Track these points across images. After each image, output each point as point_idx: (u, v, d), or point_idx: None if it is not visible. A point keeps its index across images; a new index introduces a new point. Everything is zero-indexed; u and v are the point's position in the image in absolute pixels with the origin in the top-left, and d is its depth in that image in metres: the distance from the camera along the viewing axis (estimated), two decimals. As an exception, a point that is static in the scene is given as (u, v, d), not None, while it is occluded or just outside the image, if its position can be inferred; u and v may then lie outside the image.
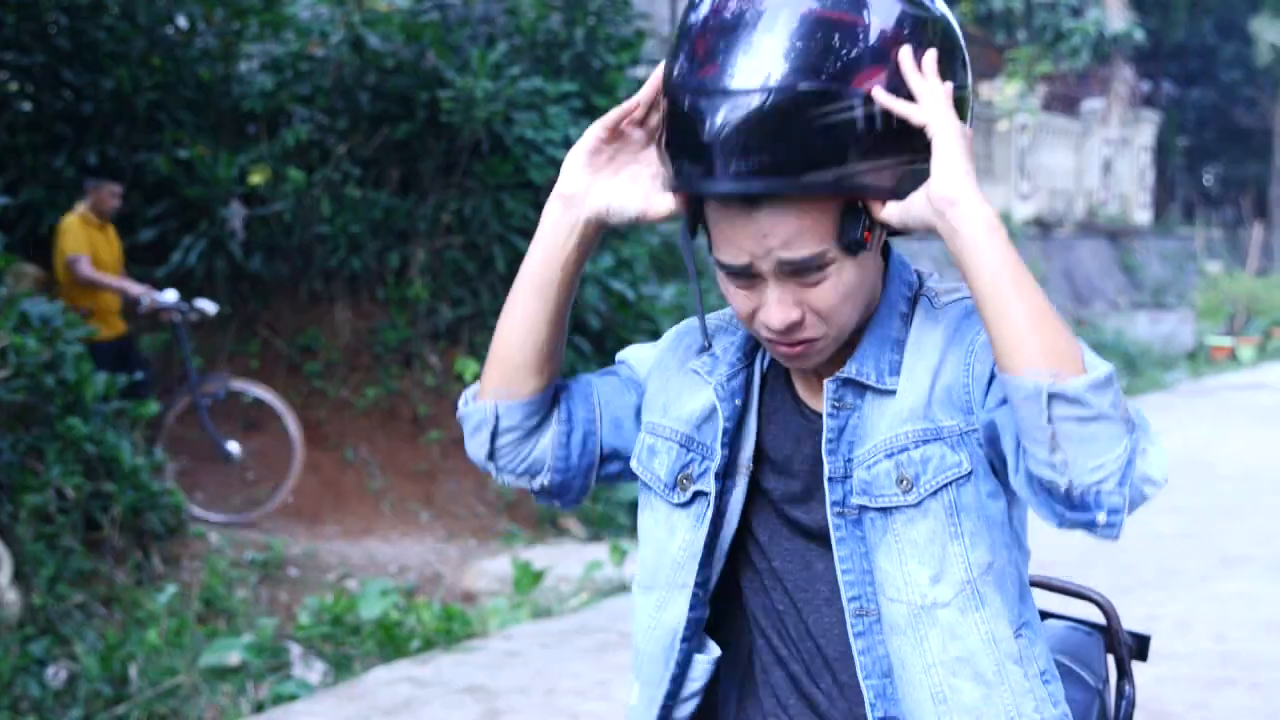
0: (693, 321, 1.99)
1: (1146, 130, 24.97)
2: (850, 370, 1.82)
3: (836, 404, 1.83)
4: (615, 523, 8.90)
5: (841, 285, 1.73)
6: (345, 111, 9.36)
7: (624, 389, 2.01)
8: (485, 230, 9.47)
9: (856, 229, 1.71)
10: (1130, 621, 2.29)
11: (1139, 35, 21.95)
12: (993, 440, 1.74)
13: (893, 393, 1.80)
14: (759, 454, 1.91)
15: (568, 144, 9.42)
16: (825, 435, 1.83)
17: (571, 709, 5.61)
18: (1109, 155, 23.79)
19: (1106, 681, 2.25)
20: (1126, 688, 2.21)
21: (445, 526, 8.66)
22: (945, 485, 1.77)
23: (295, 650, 6.47)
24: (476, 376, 8.61)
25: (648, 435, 1.96)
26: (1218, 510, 9.67)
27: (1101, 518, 1.61)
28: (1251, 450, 12.43)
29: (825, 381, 1.83)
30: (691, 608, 1.90)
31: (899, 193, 1.70)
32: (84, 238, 8.18)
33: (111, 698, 5.73)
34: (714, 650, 1.94)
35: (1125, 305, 21.15)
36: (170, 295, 8.32)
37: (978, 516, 1.78)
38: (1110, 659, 2.29)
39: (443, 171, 9.59)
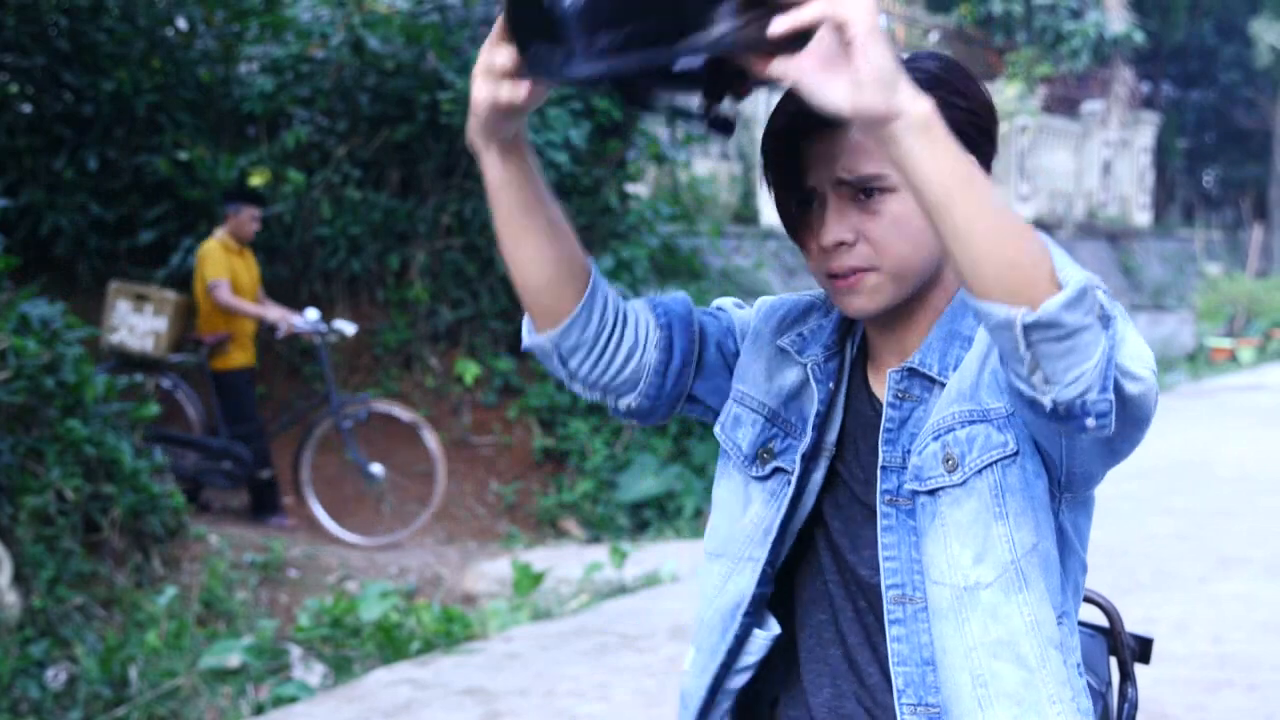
0: (781, 298, 2.00)
1: (1146, 132, 24.96)
2: (914, 360, 1.82)
3: (900, 394, 1.83)
4: (615, 525, 8.91)
5: (898, 216, 1.74)
6: (345, 113, 9.37)
7: (725, 336, 2.01)
8: (485, 232, 9.48)
9: None
10: (1128, 623, 2.29)
11: (1139, 37, 21.97)
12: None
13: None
14: (838, 438, 1.92)
15: (567, 145, 9.45)
16: (884, 425, 1.83)
17: (571, 711, 5.61)
18: (1109, 157, 23.79)
19: (1109, 684, 2.26)
20: (1129, 690, 2.21)
21: (445, 528, 8.67)
22: (990, 465, 1.76)
23: (295, 652, 6.47)
24: (476, 378, 8.57)
25: (734, 404, 1.96)
26: (1216, 512, 9.66)
27: (1091, 423, 1.56)
28: (1250, 452, 12.43)
29: (889, 372, 1.84)
30: (758, 584, 1.90)
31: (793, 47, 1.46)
32: (224, 263, 8.22)
33: (111, 700, 5.73)
34: (774, 627, 1.93)
35: (1125, 307, 21.04)
36: (311, 315, 8.40)
37: (1023, 497, 1.77)
38: (1113, 661, 2.29)
39: (442, 173, 9.60)
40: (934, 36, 21.88)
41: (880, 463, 1.83)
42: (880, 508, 1.83)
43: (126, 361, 8.42)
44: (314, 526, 8.47)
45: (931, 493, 1.79)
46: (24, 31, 8.76)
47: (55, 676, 5.81)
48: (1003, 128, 19.49)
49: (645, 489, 8.96)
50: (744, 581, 1.91)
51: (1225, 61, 29.35)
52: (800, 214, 1.81)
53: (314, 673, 6.33)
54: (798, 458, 1.89)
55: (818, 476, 1.90)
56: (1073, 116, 23.51)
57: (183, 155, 9.00)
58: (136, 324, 8.25)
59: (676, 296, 2.03)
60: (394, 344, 9.58)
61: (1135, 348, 1.63)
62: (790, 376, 1.93)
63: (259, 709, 5.82)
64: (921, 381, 1.82)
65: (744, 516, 1.93)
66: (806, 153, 1.76)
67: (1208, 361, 21.03)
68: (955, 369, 1.79)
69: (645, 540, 8.66)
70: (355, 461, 8.55)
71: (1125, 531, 8.74)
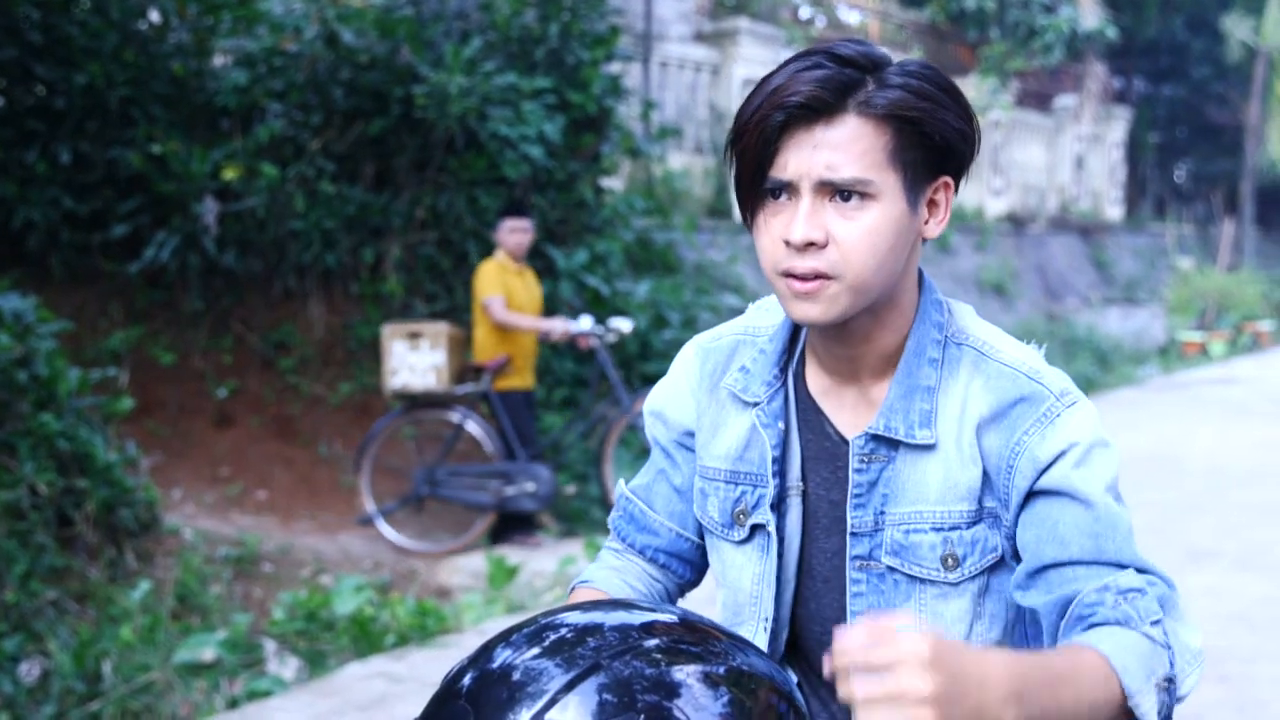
0: (712, 335, 1.98)
1: (1118, 127, 25.05)
2: (879, 425, 1.78)
3: (866, 458, 1.79)
4: (589, 518, 8.92)
5: (873, 227, 1.67)
6: (319, 107, 9.35)
7: (672, 472, 2.02)
8: (459, 225, 9.48)
9: (913, 155, 1.69)
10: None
11: (1111, 32, 22.04)
12: (1010, 539, 1.76)
13: (928, 447, 1.76)
14: (802, 471, 1.89)
15: (541, 140, 9.45)
16: (852, 490, 1.80)
17: (546, 704, 5.61)
18: (1081, 151, 23.88)
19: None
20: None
21: (407, 521, 8.67)
22: (986, 569, 1.77)
23: (269, 646, 6.46)
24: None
25: (699, 479, 1.95)
26: (1186, 505, 9.72)
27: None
28: (1221, 445, 12.51)
29: (852, 439, 1.80)
30: (768, 644, 1.90)
31: None
32: (497, 281, 8.15)
33: (85, 694, 5.72)
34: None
35: (1097, 300, 21.25)
36: (584, 322, 8.32)
37: (998, 599, 1.79)
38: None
39: (417, 167, 9.59)
40: (907, 31, 21.92)
41: (851, 528, 1.81)
42: (850, 573, 1.82)
43: (413, 402, 8.35)
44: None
45: (913, 578, 1.78)
46: (-5, 24, 8.73)
47: (28, 671, 5.79)
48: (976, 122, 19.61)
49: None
50: (762, 643, 1.90)
51: (1196, 57, 29.46)
52: (764, 203, 1.73)
53: (288, 667, 6.33)
54: (768, 507, 1.86)
55: (794, 516, 1.88)
56: (1045, 111, 23.59)
57: (156, 149, 8.97)
58: (416, 362, 8.16)
59: (650, 526, 2.05)
60: (368, 338, 9.57)
61: (1188, 641, 1.69)
62: (741, 426, 1.89)
63: (233, 703, 5.81)
64: (886, 444, 1.78)
65: (744, 580, 1.91)
66: (787, 141, 1.67)
67: (1179, 355, 21.14)
68: (923, 425, 1.76)
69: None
70: None
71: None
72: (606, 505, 8.64)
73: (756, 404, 1.87)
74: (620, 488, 2.10)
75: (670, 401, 2.00)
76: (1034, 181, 22.51)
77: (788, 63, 1.70)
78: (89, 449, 6.64)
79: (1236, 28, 26.76)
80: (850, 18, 21.22)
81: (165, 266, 9.11)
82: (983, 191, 20.60)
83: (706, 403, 1.94)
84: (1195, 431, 13.34)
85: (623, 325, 8.48)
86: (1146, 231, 26.31)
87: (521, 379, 8.33)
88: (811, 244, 1.68)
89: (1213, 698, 5.61)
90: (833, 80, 1.65)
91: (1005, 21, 20.88)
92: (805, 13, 20.41)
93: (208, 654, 6.08)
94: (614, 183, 12.14)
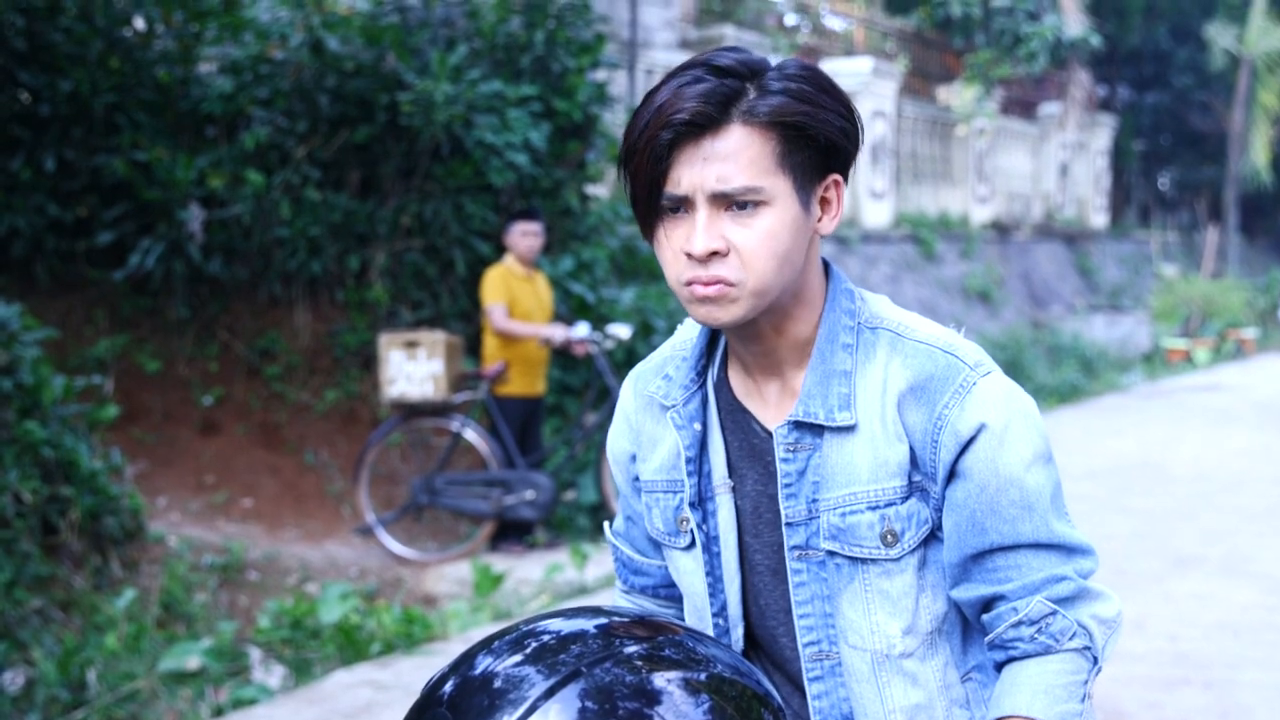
0: (647, 359, 2.02)
1: (1103, 134, 25.13)
2: (798, 412, 1.80)
3: (791, 447, 1.82)
4: (575, 526, 8.92)
5: (770, 232, 1.71)
6: (305, 114, 9.34)
7: (640, 509, 2.03)
8: (445, 233, 9.47)
9: (800, 157, 1.73)
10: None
11: (1095, 40, 22.10)
12: (936, 510, 1.81)
13: (850, 428, 1.79)
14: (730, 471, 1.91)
15: (528, 147, 9.45)
16: (781, 480, 1.82)
17: (532, 711, 5.60)
18: (1066, 159, 23.95)
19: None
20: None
21: (405, 530, 8.67)
22: (924, 541, 1.80)
23: (255, 654, 6.45)
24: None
25: (644, 494, 1.98)
26: (1171, 511, 9.75)
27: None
28: (1206, 452, 12.55)
29: (775, 429, 1.83)
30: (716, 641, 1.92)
31: None
32: (501, 288, 8.14)
33: (69, 703, 5.71)
34: None
35: (1082, 308, 21.29)
36: (582, 329, 8.29)
37: (935, 568, 1.82)
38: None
39: (402, 174, 9.58)
40: (892, 39, 21.96)
41: (785, 518, 1.83)
42: (790, 564, 1.84)
43: (412, 411, 8.33)
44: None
45: (854, 559, 1.80)
46: (-20, 31, 8.70)
47: (13, 680, 5.77)
48: (961, 130, 19.51)
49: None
50: None
51: (1180, 65, 29.56)
52: (662, 218, 1.76)
53: (274, 675, 6.32)
54: (687, 506, 1.89)
55: (725, 514, 1.90)
56: (1030, 119, 23.65)
57: (141, 156, 8.96)
58: (413, 371, 8.14)
59: (640, 568, 2.11)
60: (354, 345, 9.57)
61: (1109, 612, 1.81)
62: (667, 438, 1.93)
63: (218, 711, 5.80)
64: (810, 430, 1.81)
65: (695, 584, 1.94)
66: (677, 157, 1.72)
67: (1163, 362, 21.19)
68: (842, 408, 1.79)
69: (606, 541, 8.68)
70: None
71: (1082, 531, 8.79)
72: (607, 512, 8.64)
73: (673, 409, 1.91)
74: (606, 532, 2.14)
75: (616, 438, 2.04)
76: (1019, 189, 22.56)
77: (669, 78, 1.74)
78: (74, 457, 6.62)
79: (1220, 36, 26.86)
80: (835, 25, 21.26)
81: (150, 274, 9.10)
82: (968, 199, 20.65)
83: (642, 421, 1.98)
84: (1180, 438, 13.38)
85: (621, 331, 8.48)
86: (1131, 239, 26.39)
87: (525, 385, 8.32)
88: (715, 254, 1.72)
89: (1198, 704, 5.63)
90: (715, 94, 1.70)
91: (990, 29, 20.93)
92: (790, 20, 20.45)
93: (193, 662, 6.07)
94: (599, 190, 12.14)
